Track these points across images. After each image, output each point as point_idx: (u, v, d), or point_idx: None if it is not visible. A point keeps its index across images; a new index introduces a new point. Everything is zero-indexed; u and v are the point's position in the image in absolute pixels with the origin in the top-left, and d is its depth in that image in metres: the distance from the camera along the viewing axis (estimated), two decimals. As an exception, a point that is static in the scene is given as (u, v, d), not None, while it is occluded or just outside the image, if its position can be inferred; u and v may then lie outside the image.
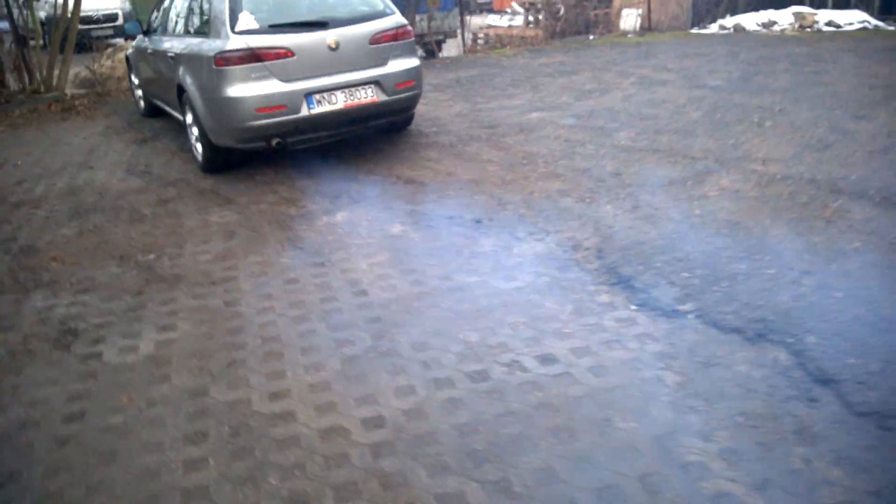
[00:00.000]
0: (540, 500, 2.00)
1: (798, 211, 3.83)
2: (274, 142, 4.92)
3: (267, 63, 4.76)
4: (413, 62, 5.38)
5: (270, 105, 4.79)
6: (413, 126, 6.26)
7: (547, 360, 2.68)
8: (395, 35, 5.23)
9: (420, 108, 6.97)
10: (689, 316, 2.90)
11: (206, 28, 5.10)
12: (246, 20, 4.83)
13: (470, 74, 9.03)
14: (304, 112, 4.87)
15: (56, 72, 9.16)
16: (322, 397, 2.55)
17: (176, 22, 5.93)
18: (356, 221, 4.22)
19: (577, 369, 2.61)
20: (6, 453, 2.38)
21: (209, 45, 4.91)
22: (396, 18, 5.32)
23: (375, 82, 5.11)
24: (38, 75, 9.11)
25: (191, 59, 5.19)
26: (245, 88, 4.75)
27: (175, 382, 2.71)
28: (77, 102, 8.60)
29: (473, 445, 2.24)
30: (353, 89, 5.02)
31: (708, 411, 2.32)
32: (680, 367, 2.57)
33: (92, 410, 2.58)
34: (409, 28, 5.41)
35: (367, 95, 5.08)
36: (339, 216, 4.33)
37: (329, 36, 4.92)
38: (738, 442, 2.17)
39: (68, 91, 9.28)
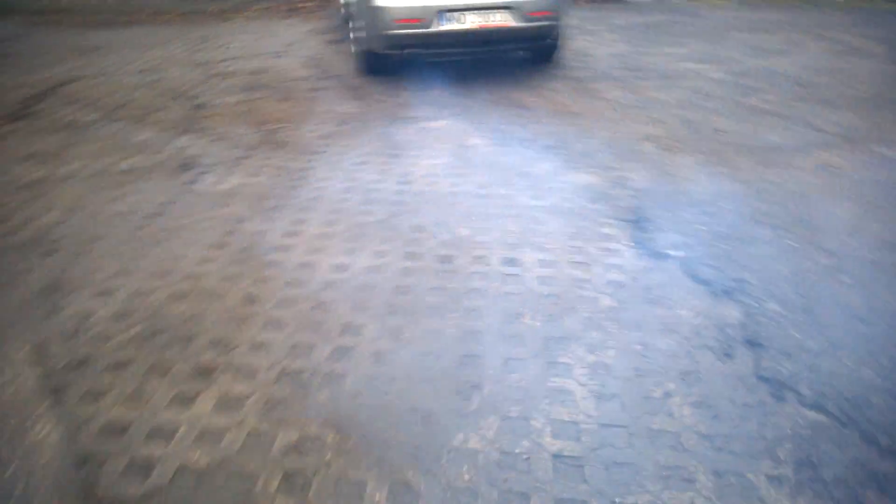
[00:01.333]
0: (415, 348, 2.39)
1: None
2: (406, 51, 5.44)
3: (409, -20, 5.25)
4: (552, -6, 5.52)
5: (407, 17, 5.28)
6: (559, 58, 6.39)
7: (510, 261, 2.96)
8: (537, -34, 5.39)
9: (578, 44, 7.07)
10: (672, 261, 2.96)
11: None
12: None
13: (658, 19, 8.70)
14: (435, 27, 5.31)
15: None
16: (318, 243, 3.10)
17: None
18: (445, 129, 4.64)
19: (529, 274, 2.86)
20: (97, 221, 3.27)
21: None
22: (542, -50, 5.46)
23: (507, 7, 5.35)
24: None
25: (355, -27, 5.85)
26: (390, 1, 5.30)
27: (230, 211, 3.43)
28: (301, 5, 9.81)
29: (395, 301, 2.66)
30: (485, 12, 5.33)
31: (616, 334, 2.46)
32: (623, 297, 2.70)
33: (166, 213, 3.40)
34: (554, -39, 5.53)
35: (498, 19, 5.36)
36: (434, 124, 4.77)
37: (471, -38, 5.24)
38: (617, 362, 2.33)
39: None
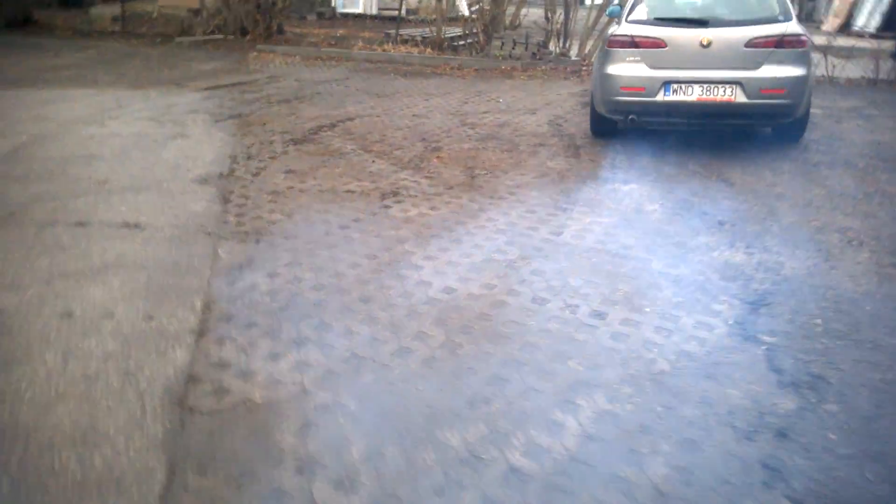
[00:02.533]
0: (462, 364, 2.79)
1: None
2: (630, 117, 5.72)
3: (641, 50, 5.54)
4: (794, 71, 5.31)
5: (632, 85, 5.59)
6: (808, 140, 6.03)
7: (597, 314, 3.16)
8: (780, 42, 5.26)
9: (842, 127, 6.56)
10: (760, 346, 2.88)
11: (616, 16, 6.12)
12: (640, 11, 5.68)
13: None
14: (660, 97, 5.51)
15: (589, 42, 11.24)
16: (446, 269, 3.65)
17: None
18: (630, 192, 4.85)
19: (606, 328, 3.04)
20: (303, 224, 4.24)
21: (610, 30, 5.93)
22: (788, 26, 5.31)
23: (737, 83, 5.32)
24: (569, 42, 11.36)
25: (601, 41, 6.31)
26: (618, 68, 5.66)
27: (396, 234, 4.17)
28: (584, 69, 10.50)
29: (471, 324, 3.08)
30: (711, 85, 5.38)
31: (647, 394, 2.57)
32: (682, 366, 2.75)
33: (351, 227, 4.25)
34: (803, 37, 5.31)
35: (725, 94, 5.35)
36: (625, 187, 4.99)
37: (704, 34, 5.35)
38: (628, 415, 2.45)
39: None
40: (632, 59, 5.58)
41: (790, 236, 4.04)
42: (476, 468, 2.19)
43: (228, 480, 2.14)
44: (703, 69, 5.39)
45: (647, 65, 5.53)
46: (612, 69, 5.68)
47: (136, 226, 4.20)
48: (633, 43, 5.57)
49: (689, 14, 5.55)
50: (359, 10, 18.52)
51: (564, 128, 6.90)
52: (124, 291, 3.35)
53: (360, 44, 12.29)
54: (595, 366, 2.76)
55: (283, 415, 2.46)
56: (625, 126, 5.90)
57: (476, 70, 10.77)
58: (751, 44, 5.31)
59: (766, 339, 2.93)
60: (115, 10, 15.25)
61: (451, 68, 10.90)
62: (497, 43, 11.34)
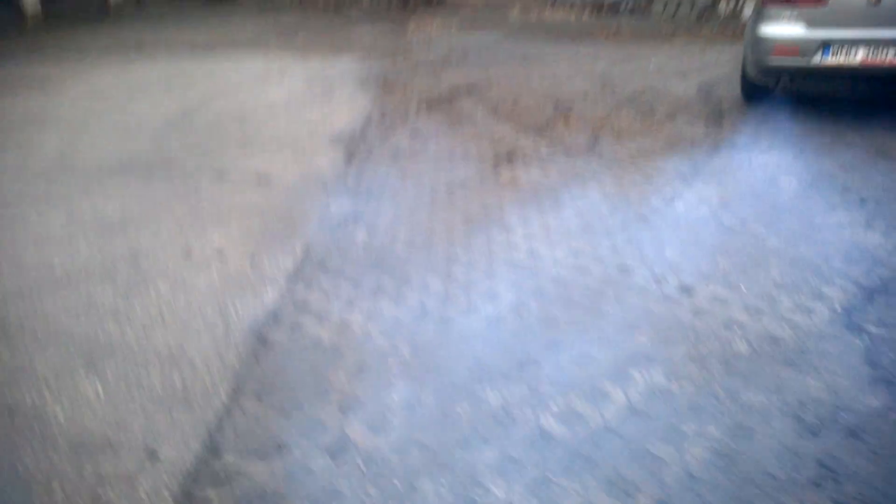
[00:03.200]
0: (532, 320, 2.77)
1: None
2: (781, 82, 5.19)
3: (797, 7, 4.97)
4: None
5: (786, 47, 5.04)
6: None
7: (684, 289, 2.98)
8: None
9: None
10: (862, 337, 2.57)
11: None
12: (804, -36, 5.06)
13: None
14: (816, 61, 4.92)
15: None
16: (536, 233, 3.61)
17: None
18: (766, 163, 4.44)
19: (689, 303, 2.86)
20: (413, 186, 4.37)
21: (767, -15, 5.37)
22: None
23: (914, 42, 4.61)
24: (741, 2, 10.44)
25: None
26: (772, 28, 5.11)
27: (499, 196, 4.17)
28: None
29: (548, 288, 3.03)
30: (880, 47, 4.71)
31: (712, 375, 2.41)
32: (764, 350, 2.54)
33: (463, 185, 4.31)
34: None
35: (895, 56, 4.67)
36: (762, 157, 4.58)
37: (875, -13, 4.67)
38: (681, 392, 2.32)
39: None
40: (787, 16, 5.02)
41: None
42: (505, 426, 2.19)
43: (278, 409, 2.33)
44: (871, 27, 4.73)
45: (805, 24, 4.95)
46: (765, 29, 5.15)
47: (266, 177, 4.57)
48: (789, 0, 5.01)
49: (859, -35, 4.86)
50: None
51: (714, 93, 6.40)
52: (238, 235, 3.69)
53: (518, 9, 12.15)
54: (664, 340, 2.62)
55: (342, 357, 2.61)
56: (781, 92, 5.36)
57: (633, 34, 10.25)
58: (934, -4, 4.56)
59: (872, 329, 2.60)
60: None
61: (608, 32, 10.45)
62: (660, 5, 10.68)
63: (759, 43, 5.19)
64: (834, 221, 3.58)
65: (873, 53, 4.73)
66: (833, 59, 4.87)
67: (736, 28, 9.91)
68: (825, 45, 4.87)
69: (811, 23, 4.92)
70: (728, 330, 2.67)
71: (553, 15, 11.73)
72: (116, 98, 6.95)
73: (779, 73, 5.16)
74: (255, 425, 2.26)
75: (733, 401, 2.26)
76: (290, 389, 2.43)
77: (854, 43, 4.78)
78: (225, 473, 2.04)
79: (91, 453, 2.14)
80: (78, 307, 3.01)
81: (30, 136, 5.66)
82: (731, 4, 10.46)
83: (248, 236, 3.69)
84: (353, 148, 5.18)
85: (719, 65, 7.69)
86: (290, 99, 6.82)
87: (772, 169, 4.36)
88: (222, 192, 4.33)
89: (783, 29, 5.03)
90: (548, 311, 2.86)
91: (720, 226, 3.59)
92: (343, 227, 3.79)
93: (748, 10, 10.28)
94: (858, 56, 4.78)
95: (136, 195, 4.32)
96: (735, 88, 6.32)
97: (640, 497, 1.90)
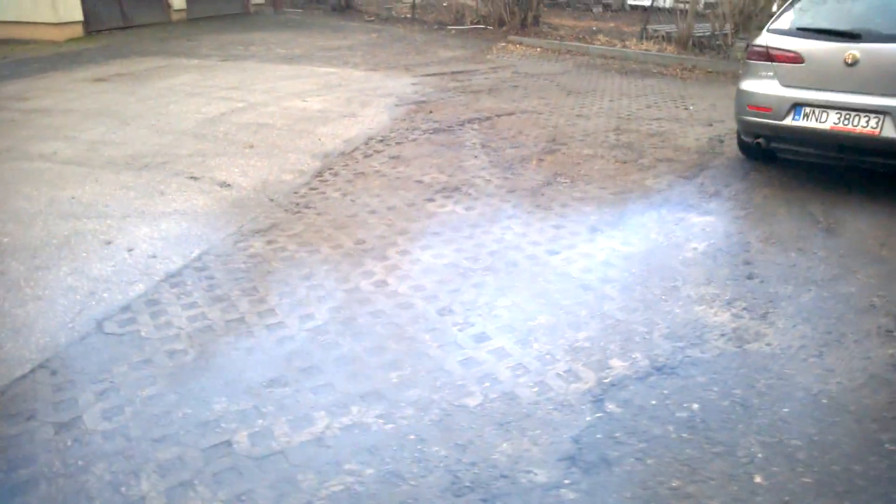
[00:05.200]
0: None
1: None
2: (755, 141, 4.95)
3: (774, 64, 4.72)
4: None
5: (758, 104, 4.82)
6: None
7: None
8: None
9: None
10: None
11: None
12: (786, 19, 4.80)
13: None
14: (787, 121, 4.66)
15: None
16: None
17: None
18: (691, 226, 4.29)
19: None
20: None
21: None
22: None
23: (884, 112, 4.25)
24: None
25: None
26: (749, 83, 4.92)
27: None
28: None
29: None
30: (850, 113, 4.38)
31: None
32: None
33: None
34: None
35: (865, 125, 4.32)
36: (698, 218, 4.43)
37: (850, 50, 4.35)
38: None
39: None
40: (765, 73, 4.79)
41: (817, 309, 3.27)
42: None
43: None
44: (843, 92, 4.41)
45: (779, 82, 4.70)
46: (744, 84, 4.96)
47: (226, 185, 5.08)
48: (767, 55, 4.77)
49: (838, 25, 4.51)
50: (646, 2, 17.80)
51: (721, 146, 6.14)
52: (168, 235, 4.19)
53: (603, 38, 12.03)
54: (410, 383, 2.75)
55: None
56: (759, 151, 5.10)
57: (708, 72, 9.86)
58: (909, 66, 4.19)
59: (612, 407, 2.57)
60: (419, -3, 17.05)
61: (682, 69, 10.13)
62: (742, 43, 10.15)
63: (739, 97, 5.01)
64: (698, 294, 3.46)
65: (844, 120, 4.41)
66: (804, 122, 4.59)
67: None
68: (797, 106, 4.61)
69: (786, 82, 4.67)
70: (479, 384, 2.75)
71: (637, 46, 11.49)
72: (177, 98, 7.84)
73: (754, 130, 4.92)
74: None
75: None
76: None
77: (826, 107, 4.49)
78: None
79: None
80: None
81: (87, 126, 6.58)
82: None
83: (178, 239, 4.18)
84: (329, 165, 5.58)
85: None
86: (319, 113, 7.35)
87: (694, 232, 4.22)
88: (183, 194, 4.88)
89: (759, 85, 4.82)
90: (354, 342, 3.07)
91: (577, 283, 3.59)
92: (249, 236, 4.18)
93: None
94: (829, 121, 4.47)
95: (108, 187, 4.97)
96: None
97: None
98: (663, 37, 11.58)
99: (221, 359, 2.93)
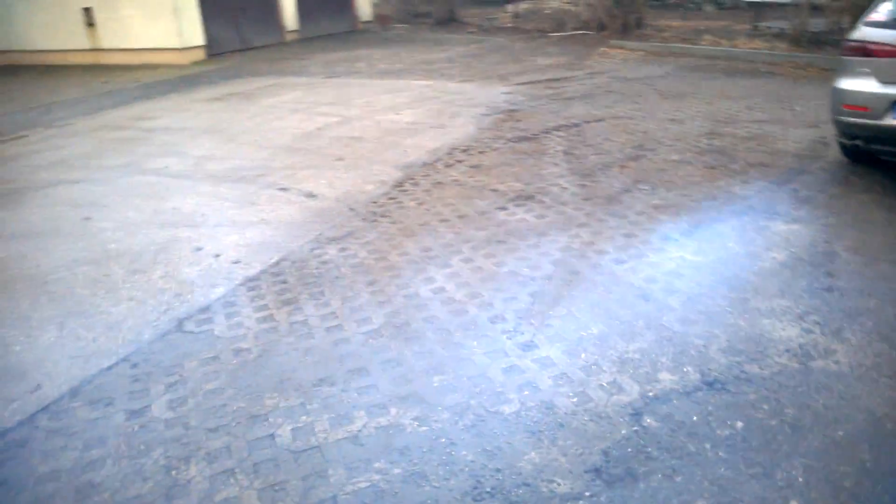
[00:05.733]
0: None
1: None
2: (852, 143, 4.62)
3: (872, 59, 4.38)
4: None
5: (855, 104, 4.49)
6: None
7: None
8: None
9: None
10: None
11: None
12: (884, 9, 4.43)
13: None
14: (887, 121, 4.31)
15: None
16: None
17: None
18: (775, 234, 4.06)
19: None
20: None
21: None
22: None
23: None
24: None
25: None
26: (846, 81, 4.59)
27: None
28: None
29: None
30: (959, 112, 3.98)
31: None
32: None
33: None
34: None
35: (977, 124, 3.91)
36: (782, 226, 4.18)
37: (958, 41, 3.96)
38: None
39: None
40: (861, 70, 4.45)
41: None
42: (248, 426, 2.64)
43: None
44: (953, 88, 4.02)
45: (877, 79, 4.35)
46: (840, 82, 4.63)
47: (312, 195, 5.36)
48: (864, 50, 4.43)
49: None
50: (765, -3, 16.85)
51: (826, 149, 5.73)
52: (252, 242, 4.50)
53: (709, 38, 11.53)
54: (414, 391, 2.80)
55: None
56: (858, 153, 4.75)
57: (822, 70, 9.21)
58: None
59: (650, 421, 2.50)
60: (522, 6, 17.13)
61: (794, 67, 9.53)
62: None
63: (834, 97, 4.69)
64: (768, 307, 3.28)
65: (952, 119, 4.02)
66: (907, 122, 4.22)
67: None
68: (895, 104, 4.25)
69: (884, 78, 4.32)
70: (518, 392, 2.76)
71: (746, 44, 10.93)
72: (281, 115, 8.34)
73: (851, 131, 4.58)
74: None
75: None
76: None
77: (931, 106, 4.11)
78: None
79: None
80: (92, 280, 4.05)
81: (197, 142, 7.16)
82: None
83: (261, 246, 4.48)
84: (410, 176, 5.74)
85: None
86: (408, 125, 7.57)
87: (775, 241, 3.99)
88: (273, 203, 5.20)
89: (855, 83, 4.49)
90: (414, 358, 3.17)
91: (638, 293, 3.50)
92: (327, 244, 4.40)
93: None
94: (936, 121, 4.10)
95: (206, 198, 5.38)
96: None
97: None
98: (775, 34, 10.94)
99: (280, 358, 3.12)
